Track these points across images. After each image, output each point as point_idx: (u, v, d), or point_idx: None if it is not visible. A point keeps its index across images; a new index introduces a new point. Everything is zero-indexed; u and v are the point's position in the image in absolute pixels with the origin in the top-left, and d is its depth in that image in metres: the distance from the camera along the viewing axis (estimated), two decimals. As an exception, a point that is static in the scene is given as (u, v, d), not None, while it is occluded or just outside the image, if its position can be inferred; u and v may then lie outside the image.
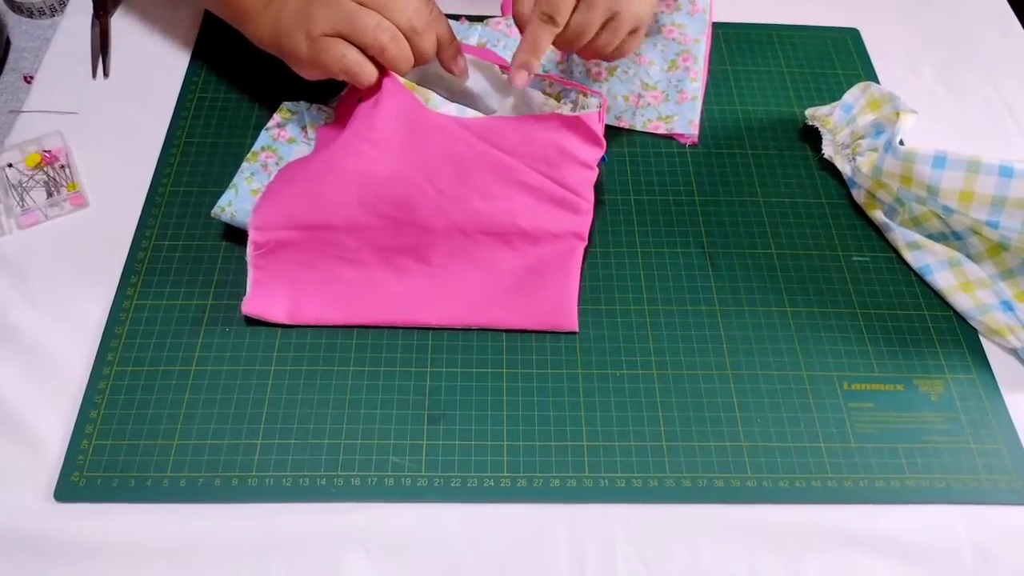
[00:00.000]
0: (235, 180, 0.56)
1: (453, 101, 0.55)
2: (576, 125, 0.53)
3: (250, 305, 0.52)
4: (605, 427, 0.50)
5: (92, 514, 0.46)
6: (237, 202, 0.54)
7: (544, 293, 0.54)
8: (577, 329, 0.54)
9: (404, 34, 0.51)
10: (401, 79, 0.53)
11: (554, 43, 0.52)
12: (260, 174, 0.57)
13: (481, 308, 0.54)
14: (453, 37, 0.54)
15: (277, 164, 0.57)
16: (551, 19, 0.50)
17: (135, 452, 0.48)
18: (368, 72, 0.51)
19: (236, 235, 0.57)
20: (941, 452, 0.50)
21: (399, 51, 0.51)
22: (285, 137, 0.59)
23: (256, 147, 0.58)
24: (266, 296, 0.53)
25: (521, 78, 0.53)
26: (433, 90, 0.55)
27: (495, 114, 0.57)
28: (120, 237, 0.57)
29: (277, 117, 0.59)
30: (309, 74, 0.54)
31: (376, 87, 0.52)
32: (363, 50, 0.51)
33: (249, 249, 0.52)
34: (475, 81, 0.57)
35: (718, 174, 0.63)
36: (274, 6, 0.54)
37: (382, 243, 0.54)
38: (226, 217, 0.54)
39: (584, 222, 0.56)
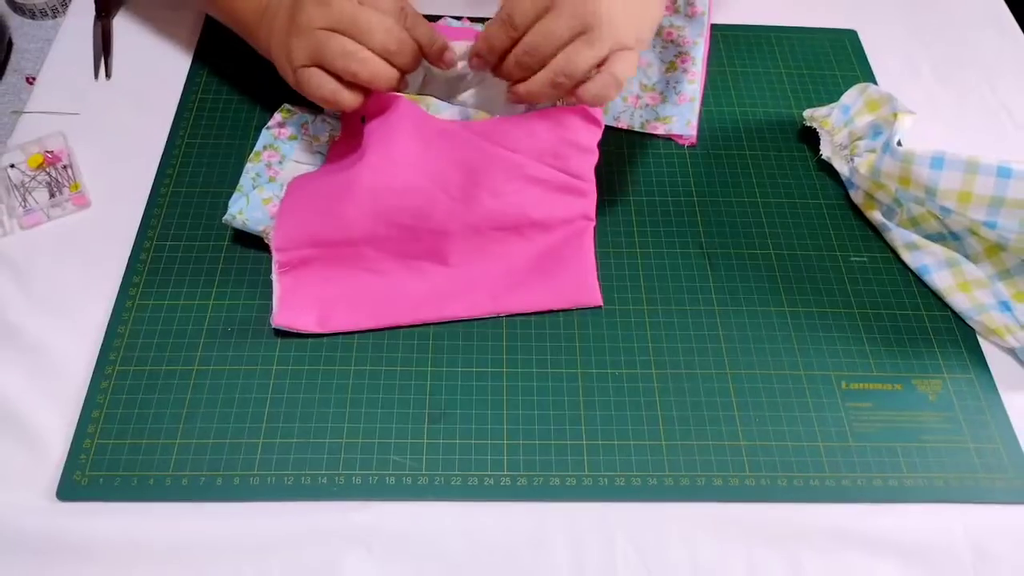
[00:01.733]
0: (241, 182, 0.57)
1: (449, 93, 0.56)
2: (578, 112, 0.53)
3: (280, 318, 0.52)
4: (605, 426, 0.51)
5: (94, 513, 0.47)
6: (248, 210, 0.55)
7: (564, 273, 0.56)
8: (602, 303, 0.55)
9: (380, 56, 0.49)
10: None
11: (517, 59, 0.49)
12: (265, 176, 0.57)
13: (504, 295, 0.55)
14: (435, 36, 0.52)
15: (280, 162, 0.58)
16: (509, 18, 0.49)
17: (137, 451, 0.48)
18: (347, 99, 0.50)
19: (239, 236, 0.57)
20: (939, 451, 0.51)
21: (372, 73, 0.49)
22: (286, 135, 0.59)
23: (258, 147, 0.59)
24: (295, 309, 0.53)
25: (476, 63, 0.52)
26: (431, 94, 0.55)
27: (489, 94, 0.57)
28: (122, 237, 0.57)
29: (278, 116, 0.60)
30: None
31: (377, 102, 0.52)
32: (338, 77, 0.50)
33: (273, 268, 0.53)
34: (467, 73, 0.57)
35: (716, 175, 0.63)
36: (264, 24, 0.55)
37: (400, 250, 0.55)
38: (238, 224, 0.55)
39: (591, 204, 0.57)
